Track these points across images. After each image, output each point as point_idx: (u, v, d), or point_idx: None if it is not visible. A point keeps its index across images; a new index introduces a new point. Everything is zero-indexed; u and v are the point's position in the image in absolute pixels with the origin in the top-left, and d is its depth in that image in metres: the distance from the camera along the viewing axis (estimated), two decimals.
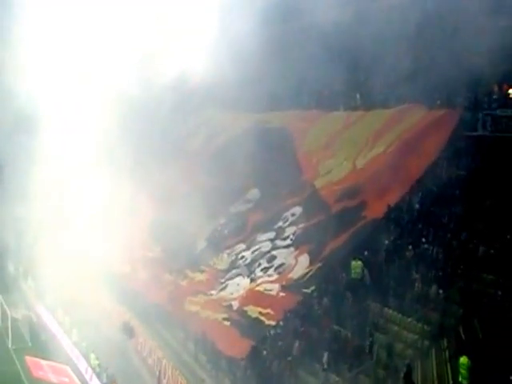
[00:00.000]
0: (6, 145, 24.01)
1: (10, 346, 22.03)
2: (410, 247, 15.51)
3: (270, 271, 17.93)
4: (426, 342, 13.23)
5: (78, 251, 22.37)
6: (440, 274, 14.32)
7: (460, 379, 11.68)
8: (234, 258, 19.87)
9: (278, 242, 18.93)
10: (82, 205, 22.68)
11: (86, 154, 22.11)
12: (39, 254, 25.17)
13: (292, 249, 18.32)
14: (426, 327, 13.43)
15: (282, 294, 16.89)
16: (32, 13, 21.02)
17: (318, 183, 20.35)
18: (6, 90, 21.58)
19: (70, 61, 21.89)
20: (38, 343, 22.30)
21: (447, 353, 12.74)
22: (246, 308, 17.38)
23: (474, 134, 17.33)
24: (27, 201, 23.72)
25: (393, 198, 17.24)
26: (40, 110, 22.22)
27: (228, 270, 19.55)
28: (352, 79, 23.27)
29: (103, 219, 21.63)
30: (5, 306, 23.63)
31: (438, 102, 19.23)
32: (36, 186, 22.61)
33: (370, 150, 19.52)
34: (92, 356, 19.62)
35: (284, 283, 17.16)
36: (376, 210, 17.26)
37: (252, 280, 18.31)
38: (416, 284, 14.49)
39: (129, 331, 20.07)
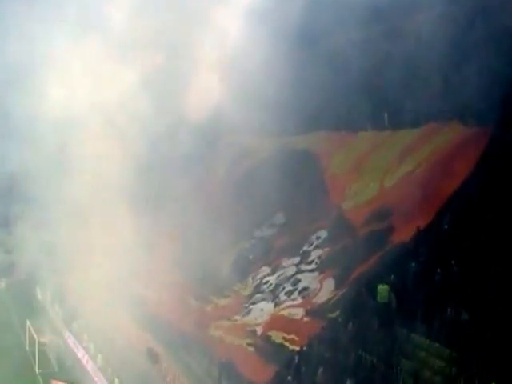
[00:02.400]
0: (39, 173, 25.90)
1: (36, 370, 23.36)
2: (439, 270, 15.85)
3: (295, 295, 18.58)
4: (455, 369, 13.43)
5: (103, 278, 23.71)
6: (469, 297, 14.60)
7: None
8: (258, 282, 20.67)
9: (303, 266, 19.62)
10: (109, 232, 24.06)
11: (112, 182, 23.64)
12: (66, 281, 26.76)
13: (317, 273, 18.95)
14: (454, 353, 13.67)
15: (306, 318, 17.47)
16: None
17: (345, 206, 21.02)
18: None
19: (93, 95, 23.80)
20: (64, 368, 23.46)
21: (476, 380, 12.92)
22: (269, 333, 18.03)
23: (506, 152, 17.68)
24: (55, 228, 25.41)
25: (421, 220, 17.67)
26: (66, 142, 24.10)
27: (252, 295, 20.33)
28: (380, 99, 24.11)
29: (129, 246, 22.94)
30: (32, 331, 25.08)
31: (469, 121, 19.73)
32: (64, 214, 24.24)
33: (398, 171, 20.13)
34: (116, 381, 20.50)
35: (308, 308, 17.74)
36: (404, 233, 17.69)
37: (276, 304, 19.00)
38: (444, 308, 14.77)
39: (153, 357, 21.00)
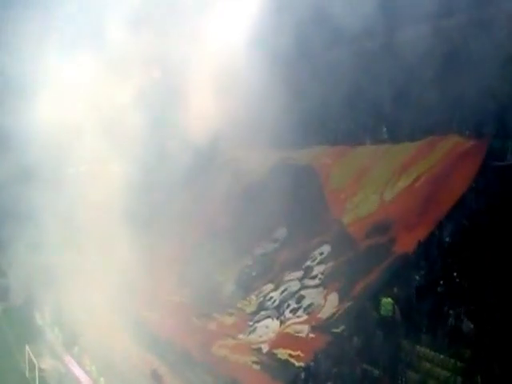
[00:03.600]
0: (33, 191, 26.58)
1: None
2: (442, 282, 16.61)
3: (299, 312, 19.25)
4: (460, 379, 14.14)
5: (104, 300, 24.29)
6: (472, 308, 15.35)
7: None
8: (262, 299, 21.34)
9: (307, 282, 20.33)
10: (108, 252, 24.69)
11: (111, 201, 24.32)
12: (66, 304, 27.24)
13: (321, 288, 19.65)
14: (459, 363, 14.35)
15: (311, 334, 18.12)
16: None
17: (346, 219, 21.82)
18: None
19: (88, 113, 24.63)
20: None
21: None
22: (275, 351, 18.66)
23: (504, 163, 18.61)
24: (53, 250, 26.01)
25: (422, 233, 18.46)
26: (61, 160, 24.80)
27: (256, 313, 20.98)
28: (378, 112, 25.12)
29: (130, 266, 23.58)
30: (32, 356, 25.49)
31: (467, 132, 20.66)
32: (62, 236, 24.86)
33: (398, 184, 20.99)
34: None
35: (313, 323, 18.40)
36: (406, 245, 18.47)
37: (281, 322, 19.67)
38: (448, 320, 15.52)
39: (157, 378, 21.50)
